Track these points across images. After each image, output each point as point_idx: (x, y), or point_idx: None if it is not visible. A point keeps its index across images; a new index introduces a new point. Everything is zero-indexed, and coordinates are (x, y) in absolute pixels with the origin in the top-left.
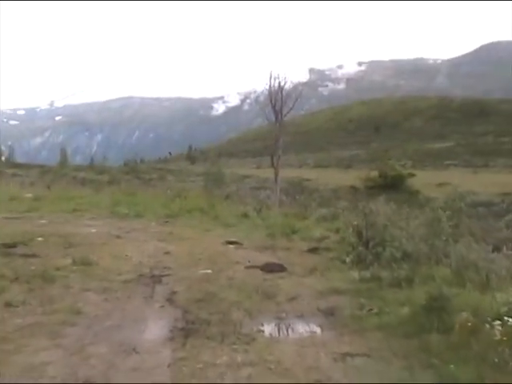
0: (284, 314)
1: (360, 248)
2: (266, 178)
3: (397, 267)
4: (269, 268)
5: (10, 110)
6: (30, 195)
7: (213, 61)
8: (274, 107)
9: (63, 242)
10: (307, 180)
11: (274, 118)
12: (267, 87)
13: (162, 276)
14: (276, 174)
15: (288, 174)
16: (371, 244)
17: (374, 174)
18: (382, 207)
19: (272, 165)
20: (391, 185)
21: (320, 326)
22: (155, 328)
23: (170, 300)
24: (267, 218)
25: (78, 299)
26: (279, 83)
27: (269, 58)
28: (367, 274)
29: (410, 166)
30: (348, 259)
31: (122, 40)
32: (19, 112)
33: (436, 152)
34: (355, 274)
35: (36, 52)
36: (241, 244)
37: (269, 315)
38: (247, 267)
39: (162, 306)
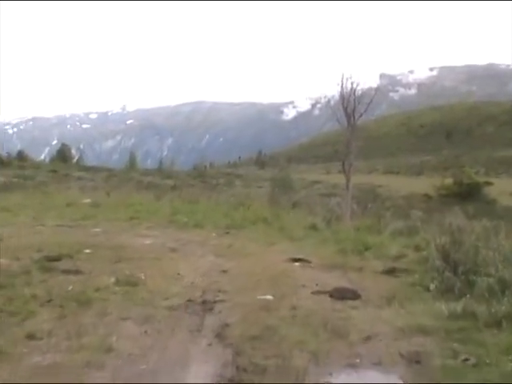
0: (358, 360)
1: (447, 273)
2: (335, 183)
3: (495, 301)
4: (339, 294)
5: (83, 113)
6: (88, 201)
7: (283, 66)
8: (345, 110)
9: (112, 256)
10: (378, 187)
11: (345, 122)
12: (339, 89)
13: (215, 302)
14: (347, 182)
15: (357, 180)
16: (461, 269)
17: (448, 181)
18: (466, 222)
19: (343, 171)
20: (466, 193)
21: (403, 378)
22: (197, 376)
23: (220, 336)
24: (337, 230)
25: (113, 331)
26: (352, 85)
27: (339, 63)
28: (458, 307)
29: (483, 173)
30: (432, 286)
31: (195, 44)
32: (91, 116)
33: (510, 159)
34: (443, 307)
35: (110, 56)
36: (307, 261)
37: (339, 360)
38: (314, 292)
39: (210, 345)
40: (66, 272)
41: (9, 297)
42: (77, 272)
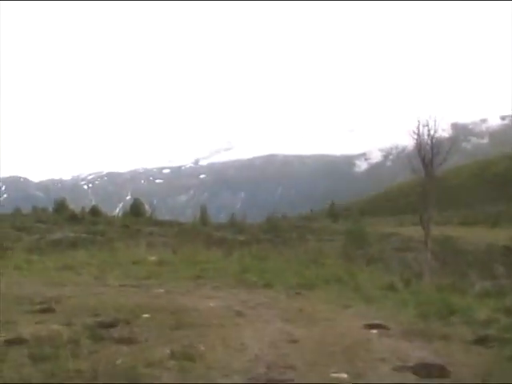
0: None
1: None
2: (410, 236)
3: None
4: (425, 371)
5: (156, 168)
6: (154, 258)
7: (354, 118)
8: (423, 159)
9: (172, 321)
10: (455, 239)
11: (421, 172)
12: (415, 137)
13: (281, 381)
14: (426, 236)
15: (432, 231)
16: None
17: None
18: None
19: (421, 224)
20: None
21: None
22: None
23: None
24: (417, 291)
25: None
26: (428, 132)
27: (410, 113)
28: None
29: None
30: None
31: (267, 98)
32: (165, 171)
33: None
34: None
35: (181, 112)
36: (386, 328)
37: None
38: (395, 368)
39: None
40: (119, 341)
41: (51, 371)
42: (130, 341)
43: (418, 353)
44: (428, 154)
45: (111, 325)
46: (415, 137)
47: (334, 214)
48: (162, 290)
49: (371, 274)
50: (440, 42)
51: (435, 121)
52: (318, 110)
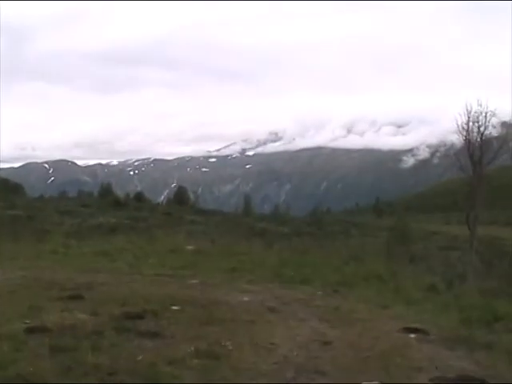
0: None
1: None
2: (455, 235)
3: None
4: None
5: (203, 157)
6: (191, 247)
7: (401, 114)
8: (471, 157)
9: (202, 315)
10: (501, 239)
11: (469, 171)
12: (464, 134)
13: None
14: (471, 237)
15: (478, 231)
16: None
17: None
18: None
19: (466, 223)
20: None
21: None
22: None
23: None
24: (460, 294)
25: None
26: (478, 129)
27: (458, 111)
28: None
29: None
30: None
31: (310, 91)
32: (211, 160)
33: None
34: None
35: (230, 102)
36: (425, 332)
37: None
38: (432, 380)
39: None
40: (144, 335)
41: (67, 365)
42: (155, 335)
43: (458, 362)
44: (477, 151)
45: (138, 316)
46: (464, 133)
47: (378, 209)
48: (195, 281)
49: (412, 273)
50: (497, 38)
51: (486, 117)
52: (367, 105)
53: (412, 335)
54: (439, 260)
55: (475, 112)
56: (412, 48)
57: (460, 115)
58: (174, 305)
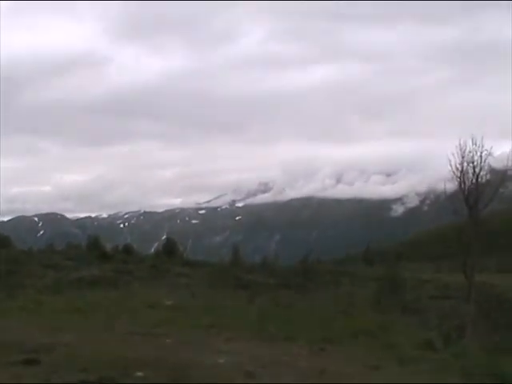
0: None
1: None
2: (446, 283)
3: None
4: None
5: (192, 209)
6: (170, 303)
7: (390, 162)
8: (466, 200)
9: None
10: (495, 287)
11: (464, 214)
12: (458, 175)
13: None
14: (470, 286)
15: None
16: None
17: None
18: None
19: (463, 272)
20: None
21: None
22: None
23: None
24: (460, 352)
25: None
26: (474, 169)
27: (448, 158)
28: None
29: None
30: None
31: (299, 141)
32: (200, 211)
33: None
34: None
35: (218, 153)
36: None
37: None
38: None
39: None
40: None
41: None
42: None
43: None
44: (472, 194)
45: None
46: (458, 174)
47: (369, 258)
48: (168, 341)
49: (405, 326)
50: (484, 80)
51: (481, 157)
52: (356, 153)
53: None
54: (433, 311)
55: (469, 152)
56: (398, 93)
57: (453, 155)
58: (139, 370)
